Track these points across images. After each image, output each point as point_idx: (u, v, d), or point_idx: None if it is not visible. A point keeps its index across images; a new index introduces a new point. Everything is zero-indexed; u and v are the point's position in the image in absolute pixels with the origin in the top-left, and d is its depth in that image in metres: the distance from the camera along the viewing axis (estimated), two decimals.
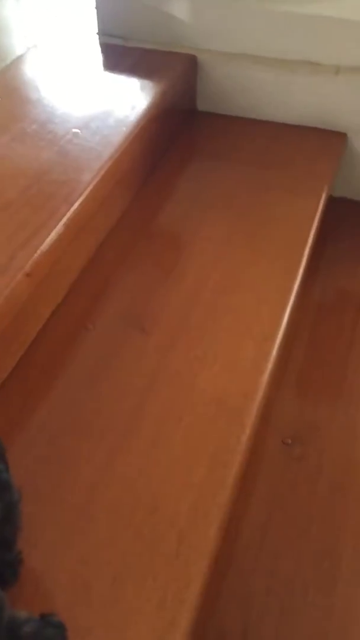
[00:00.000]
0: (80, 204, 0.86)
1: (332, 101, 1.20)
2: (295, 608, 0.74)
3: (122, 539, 0.65)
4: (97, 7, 1.26)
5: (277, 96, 1.24)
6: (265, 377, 0.82)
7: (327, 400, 0.97)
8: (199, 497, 0.69)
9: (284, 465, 0.88)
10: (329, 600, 0.75)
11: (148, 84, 1.13)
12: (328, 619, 0.73)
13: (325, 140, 1.23)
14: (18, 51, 1.28)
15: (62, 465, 0.71)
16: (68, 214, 0.84)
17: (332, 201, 1.34)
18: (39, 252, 0.78)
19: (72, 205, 0.85)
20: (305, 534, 0.81)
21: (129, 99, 1.08)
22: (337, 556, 0.78)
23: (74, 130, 0.99)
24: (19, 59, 1.21)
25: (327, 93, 1.19)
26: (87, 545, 0.65)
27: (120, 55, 1.23)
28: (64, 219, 0.83)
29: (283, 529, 0.82)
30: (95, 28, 1.28)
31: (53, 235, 0.81)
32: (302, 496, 0.85)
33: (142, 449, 0.73)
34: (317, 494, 0.85)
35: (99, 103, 1.07)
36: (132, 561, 0.63)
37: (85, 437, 0.74)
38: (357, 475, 0.87)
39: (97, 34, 1.28)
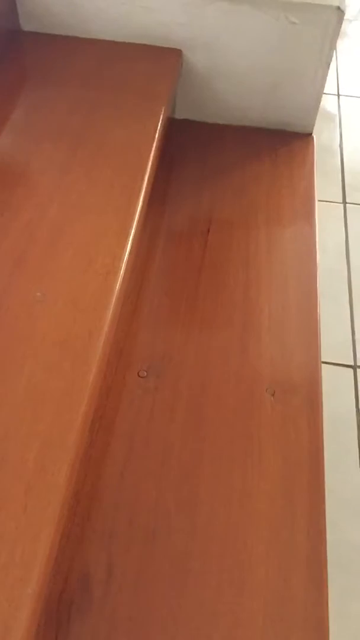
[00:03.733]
0: None
1: (163, 14, 1.14)
2: (158, 535, 0.75)
3: None
4: None
5: (108, 11, 1.16)
6: (110, 312, 0.79)
7: (180, 329, 0.97)
8: (45, 444, 0.66)
9: (141, 398, 0.88)
10: (191, 521, 0.76)
11: None
12: (191, 540, 0.75)
13: (160, 57, 1.17)
14: None
15: None
16: None
17: (175, 124, 1.30)
18: None
19: None
20: (166, 462, 0.82)
21: None
22: (195, 479, 0.80)
23: None
24: None
25: (157, 5, 1.13)
26: None
27: None
28: None
29: (144, 461, 0.82)
30: None
31: None
32: (161, 426, 0.85)
33: None
34: (175, 422, 0.86)
35: None
36: None
37: None
38: (211, 400, 0.88)
39: None
